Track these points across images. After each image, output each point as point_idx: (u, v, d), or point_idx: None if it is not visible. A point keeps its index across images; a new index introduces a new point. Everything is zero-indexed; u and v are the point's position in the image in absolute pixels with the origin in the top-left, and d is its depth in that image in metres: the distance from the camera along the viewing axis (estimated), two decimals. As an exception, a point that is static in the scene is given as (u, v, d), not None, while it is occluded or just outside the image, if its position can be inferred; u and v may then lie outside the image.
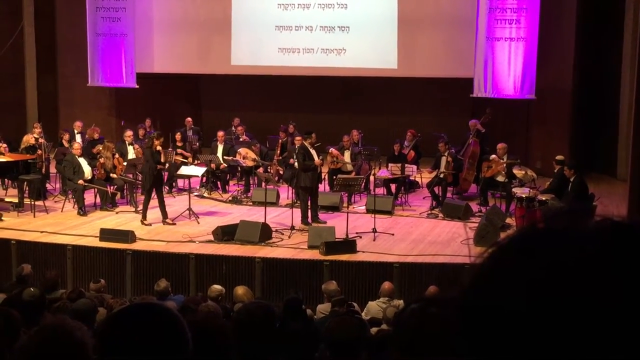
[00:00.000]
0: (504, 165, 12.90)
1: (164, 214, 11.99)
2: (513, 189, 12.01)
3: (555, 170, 12.19)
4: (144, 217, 11.94)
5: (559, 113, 15.88)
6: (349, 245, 10.52)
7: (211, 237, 10.98)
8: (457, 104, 18.02)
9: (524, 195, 11.29)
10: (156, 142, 11.85)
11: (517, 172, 12.54)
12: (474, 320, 0.78)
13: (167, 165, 12.66)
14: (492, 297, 0.79)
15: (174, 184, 14.72)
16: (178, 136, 15.36)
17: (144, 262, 10.31)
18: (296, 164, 12.46)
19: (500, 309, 0.76)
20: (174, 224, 11.91)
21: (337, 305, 7.24)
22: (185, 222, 12.08)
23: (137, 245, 10.63)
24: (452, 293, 0.86)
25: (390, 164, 13.63)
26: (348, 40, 17.09)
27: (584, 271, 0.74)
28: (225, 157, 14.53)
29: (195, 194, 14.12)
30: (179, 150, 14.70)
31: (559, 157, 12.55)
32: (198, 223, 12.03)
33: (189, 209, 12.27)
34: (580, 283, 0.73)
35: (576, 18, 15.59)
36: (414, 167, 13.68)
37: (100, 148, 13.34)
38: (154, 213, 12.05)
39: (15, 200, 12.76)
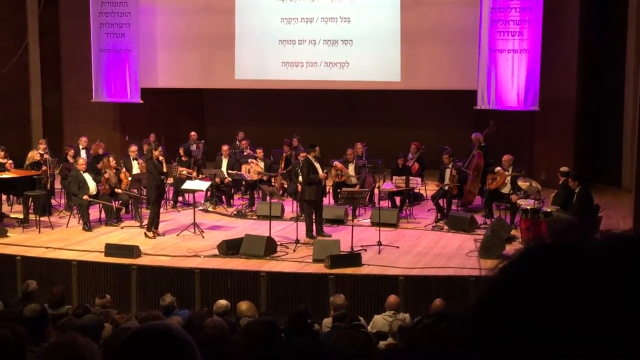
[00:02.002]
0: (509, 177, 12.88)
1: (156, 224, 12.08)
2: (518, 201, 11.98)
3: (560, 182, 12.16)
4: (156, 227, 12.02)
5: (563, 124, 15.87)
6: (354, 258, 10.50)
7: (216, 252, 10.96)
8: (460, 116, 18.03)
9: (528, 207, 11.26)
10: (156, 153, 11.92)
11: (522, 183, 12.53)
12: (496, 333, 0.79)
13: (168, 175, 12.70)
14: (515, 310, 0.80)
15: (179, 198, 14.73)
16: (182, 151, 15.38)
17: (149, 277, 10.29)
18: (300, 177, 12.46)
19: (531, 319, 0.78)
20: (162, 234, 12.02)
21: (338, 320, 7.19)
22: (190, 237, 12.09)
23: (142, 260, 10.62)
24: (463, 307, 0.86)
25: (394, 177, 13.63)
26: (351, 53, 17.14)
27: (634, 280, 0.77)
28: (229, 171, 14.55)
29: (200, 208, 14.13)
30: (180, 168, 14.69)
31: (563, 169, 12.53)
32: (203, 237, 12.03)
33: (194, 223, 12.27)
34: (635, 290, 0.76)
35: (579, 29, 15.61)
36: (419, 179, 13.68)
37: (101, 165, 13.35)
38: (162, 225, 12.08)
39: (21, 216, 12.78)
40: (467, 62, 16.13)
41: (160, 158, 11.90)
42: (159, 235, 12.10)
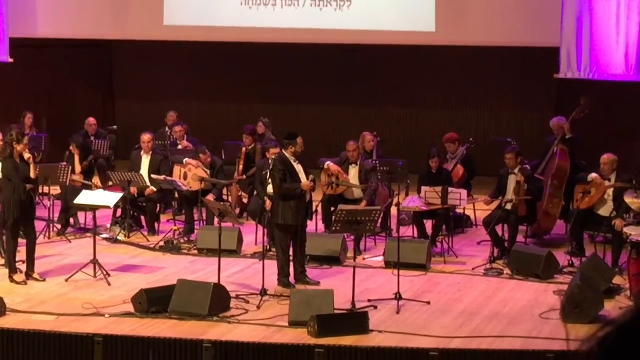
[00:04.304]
0: (611, 189, 12.90)
1: (30, 264, 12.07)
2: (625, 229, 12.01)
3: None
4: (13, 269, 11.99)
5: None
6: (356, 321, 10.48)
7: (130, 308, 10.92)
8: (533, 90, 18.08)
9: (643, 240, 11.28)
10: (18, 148, 11.85)
11: (632, 201, 12.56)
12: None
13: (38, 183, 12.67)
14: None
15: (70, 220, 14.67)
16: (73, 144, 15.32)
17: (19, 348, 10.22)
18: (270, 187, 12.43)
19: None
20: (43, 280, 12.04)
21: None
22: (87, 283, 12.03)
23: (9, 321, 10.56)
24: None
25: (424, 188, 13.62)
26: (355, -14, 17.23)
27: None
28: (153, 175, 14.51)
29: (104, 235, 14.03)
30: (76, 174, 14.63)
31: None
32: (109, 284, 11.99)
33: (94, 261, 12.22)
34: None
35: None
36: (464, 192, 13.66)
37: None
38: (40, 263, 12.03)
39: None
40: (545, 4, 16.20)
41: (27, 156, 11.85)
42: (36, 279, 12.02)
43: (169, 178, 14.39)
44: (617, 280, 11.82)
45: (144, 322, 10.64)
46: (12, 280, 11.94)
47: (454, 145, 15.12)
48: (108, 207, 13.36)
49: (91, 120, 17.13)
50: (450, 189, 13.48)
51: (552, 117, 14.93)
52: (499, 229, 13.29)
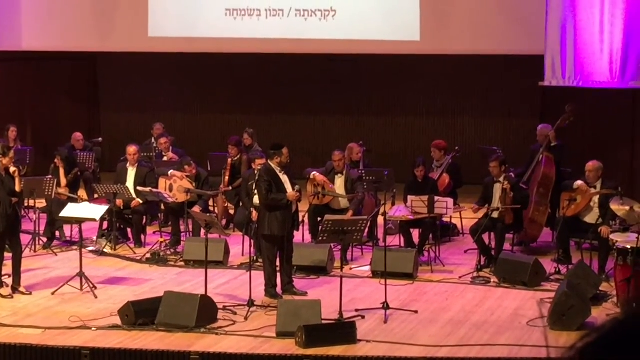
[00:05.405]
0: (597, 196, 12.93)
1: (16, 278, 12.07)
2: (612, 236, 12.04)
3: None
4: (16, 280, 12.05)
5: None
6: (344, 330, 10.47)
7: (117, 320, 10.91)
8: (518, 98, 18.11)
9: (628, 247, 11.30)
10: (4, 161, 11.86)
11: (617, 208, 12.58)
12: None
13: (22, 196, 12.67)
14: None
15: (56, 233, 14.66)
16: (58, 157, 15.29)
17: (6, 362, 10.22)
18: (256, 197, 12.43)
19: None
20: (29, 293, 12.03)
21: None
22: (74, 296, 12.02)
23: (-5, 335, 10.55)
24: None
25: (410, 197, 13.64)
26: (339, -5, 17.25)
27: None
28: (139, 187, 14.50)
29: (91, 248, 14.02)
30: (61, 188, 14.62)
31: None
32: (95, 297, 11.98)
33: (80, 274, 12.20)
34: None
35: None
36: (450, 200, 13.70)
37: None
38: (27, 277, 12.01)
39: None
40: (529, 12, 16.23)
41: (12, 169, 11.85)
42: (22, 293, 12.02)
43: (154, 190, 14.38)
44: (604, 287, 11.85)
45: (131, 334, 10.63)
46: (-5, 294, 11.93)
47: (439, 152, 15.13)
48: (94, 220, 13.36)
49: (78, 135, 17.08)
50: (436, 198, 13.51)
51: (537, 125, 14.96)
52: (485, 237, 13.30)
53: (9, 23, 18.01)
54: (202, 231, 12.76)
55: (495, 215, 13.32)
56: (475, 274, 12.87)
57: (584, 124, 15.43)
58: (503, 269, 12.67)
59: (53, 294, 12.11)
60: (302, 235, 13.89)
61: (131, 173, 14.80)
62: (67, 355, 10.20)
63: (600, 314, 10.94)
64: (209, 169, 16.01)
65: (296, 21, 17.38)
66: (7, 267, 12.23)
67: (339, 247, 13.01)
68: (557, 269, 12.73)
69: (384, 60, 18.21)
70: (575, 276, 11.60)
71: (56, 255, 14.18)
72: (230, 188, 15.48)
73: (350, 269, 13.23)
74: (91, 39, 18.23)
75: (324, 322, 10.62)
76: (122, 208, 14.49)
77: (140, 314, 10.84)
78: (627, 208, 12.52)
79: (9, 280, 12.16)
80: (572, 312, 10.61)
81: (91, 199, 14.89)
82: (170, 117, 18.81)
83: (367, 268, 13.11)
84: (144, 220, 14.97)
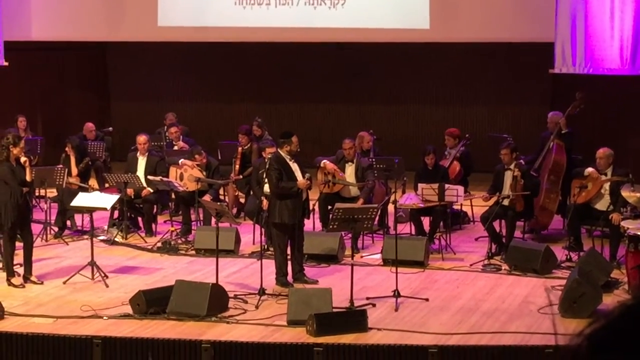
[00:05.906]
0: (608, 183, 12.92)
1: (28, 267, 12.11)
2: (623, 223, 12.03)
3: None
4: (10, 272, 12.03)
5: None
6: (355, 318, 10.49)
7: (128, 309, 10.94)
8: (527, 86, 18.08)
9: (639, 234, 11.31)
10: (15, 151, 11.88)
11: (628, 194, 12.57)
12: None
13: (33, 186, 12.70)
14: None
15: (67, 222, 14.68)
16: (69, 145, 15.31)
17: (18, 350, 10.23)
18: (266, 186, 12.44)
19: None
20: (41, 282, 12.08)
21: None
22: (85, 285, 12.04)
23: (7, 324, 10.57)
24: None
25: (420, 185, 13.64)
26: (349, -16, 17.22)
27: None
28: (150, 176, 14.51)
29: (102, 237, 14.05)
30: (72, 177, 14.64)
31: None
32: (107, 286, 12.00)
33: (92, 264, 12.23)
34: None
35: None
36: (460, 188, 13.69)
37: None
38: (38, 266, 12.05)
39: None
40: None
41: (23, 159, 11.87)
42: (33, 282, 12.06)
43: (165, 179, 14.40)
44: (615, 274, 11.85)
45: (142, 323, 10.66)
46: (9, 283, 11.98)
47: (453, 140, 15.15)
48: (105, 209, 13.38)
49: (90, 125, 17.07)
50: (446, 186, 13.51)
51: (547, 112, 14.93)
52: (496, 224, 13.32)
53: (19, 13, 18.03)
54: (213, 220, 12.78)
55: (505, 202, 13.32)
56: (486, 262, 12.90)
57: (594, 111, 15.39)
58: (514, 256, 12.68)
59: (64, 283, 12.16)
60: (312, 224, 13.91)
61: (141, 162, 14.82)
62: (78, 344, 10.22)
63: (611, 301, 10.93)
64: (220, 157, 16.02)
65: (305, 10, 17.36)
66: (19, 257, 12.29)
67: (350, 235, 13.05)
68: (568, 256, 12.74)
69: (393, 49, 18.18)
70: (587, 263, 11.61)
71: (67, 244, 14.22)
72: (241, 177, 15.48)
73: (361, 257, 13.26)
74: (101, 28, 18.25)
75: (334, 310, 10.64)
76: (132, 197, 14.52)
77: (152, 302, 10.86)
78: (638, 195, 12.53)
79: (20, 270, 12.22)
80: (583, 299, 10.60)
81: (102, 188, 14.91)
82: (179, 106, 18.80)
83: (378, 256, 13.14)
84: (155, 209, 15.00)
